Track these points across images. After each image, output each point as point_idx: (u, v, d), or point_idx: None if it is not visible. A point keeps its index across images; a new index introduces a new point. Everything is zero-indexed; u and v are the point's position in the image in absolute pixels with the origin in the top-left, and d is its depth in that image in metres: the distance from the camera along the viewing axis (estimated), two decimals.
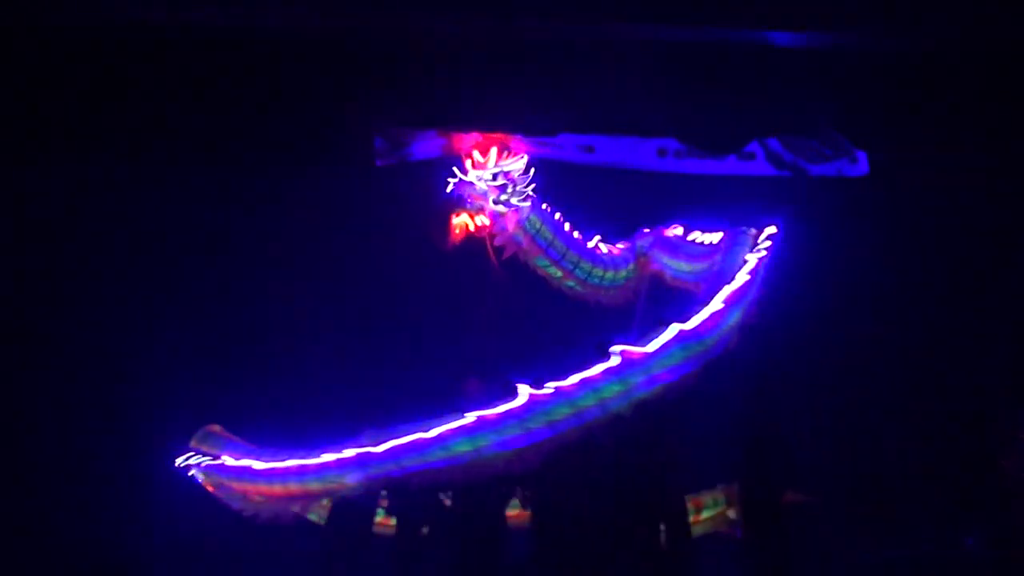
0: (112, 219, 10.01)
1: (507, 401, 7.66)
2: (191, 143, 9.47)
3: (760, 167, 10.12)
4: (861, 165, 9.96)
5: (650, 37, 9.14)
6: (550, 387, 7.60)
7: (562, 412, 7.58)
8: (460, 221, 10.30)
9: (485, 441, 7.60)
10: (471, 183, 10.01)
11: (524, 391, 7.61)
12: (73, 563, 9.13)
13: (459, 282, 10.38)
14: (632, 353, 7.66)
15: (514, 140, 10.11)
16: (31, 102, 9.08)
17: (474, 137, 10.16)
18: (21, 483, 9.52)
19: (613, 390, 7.62)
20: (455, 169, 10.05)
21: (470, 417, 7.65)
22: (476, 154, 10.06)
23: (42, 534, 9.41)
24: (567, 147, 10.23)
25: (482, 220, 10.23)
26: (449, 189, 10.06)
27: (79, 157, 9.57)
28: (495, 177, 9.99)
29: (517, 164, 10.07)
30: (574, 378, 7.63)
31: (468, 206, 10.17)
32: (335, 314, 10.33)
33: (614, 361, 7.65)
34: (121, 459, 9.52)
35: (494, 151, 10.01)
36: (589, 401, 7.61)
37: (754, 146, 10.01)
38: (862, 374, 10.18)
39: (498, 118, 9.84)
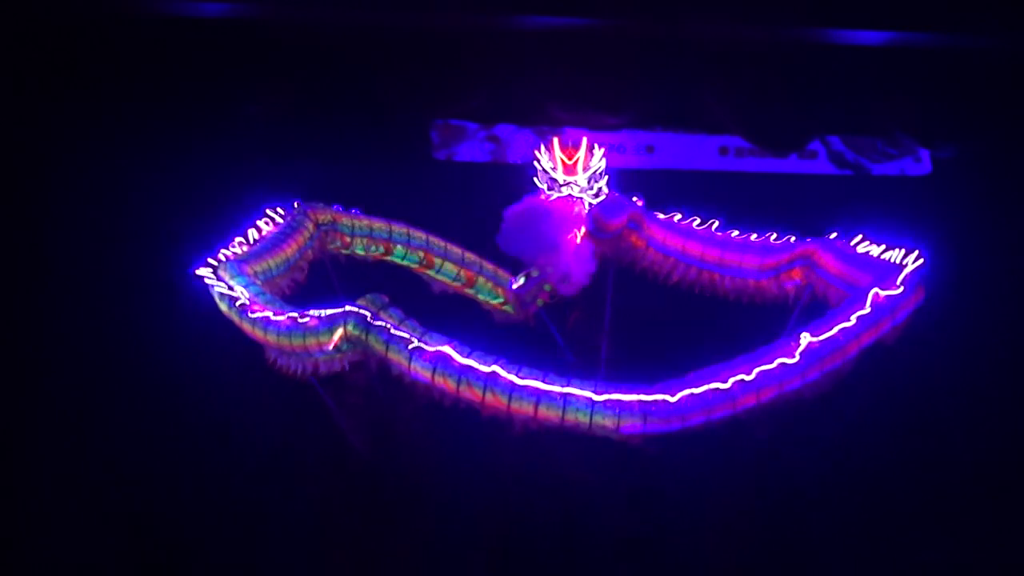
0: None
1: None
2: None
3: (822, 166, 10.02)
4: (924, 164, 9.92)
5: (711, 34, 9.55)
6: None
7: None
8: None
9: None
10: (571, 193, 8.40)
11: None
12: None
13: None
14: None
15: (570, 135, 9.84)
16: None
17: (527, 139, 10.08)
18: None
19: None
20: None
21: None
22: (559, 152, 8.53)
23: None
24: (626, 145, 10.22)
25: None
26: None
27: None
28: (591, 181, 8.49)
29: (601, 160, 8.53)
30: None
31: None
32: None
33: None
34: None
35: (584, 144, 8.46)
36: None
37: (816, 144, 10.03)
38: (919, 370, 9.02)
39: (557, 114, 9.96)
